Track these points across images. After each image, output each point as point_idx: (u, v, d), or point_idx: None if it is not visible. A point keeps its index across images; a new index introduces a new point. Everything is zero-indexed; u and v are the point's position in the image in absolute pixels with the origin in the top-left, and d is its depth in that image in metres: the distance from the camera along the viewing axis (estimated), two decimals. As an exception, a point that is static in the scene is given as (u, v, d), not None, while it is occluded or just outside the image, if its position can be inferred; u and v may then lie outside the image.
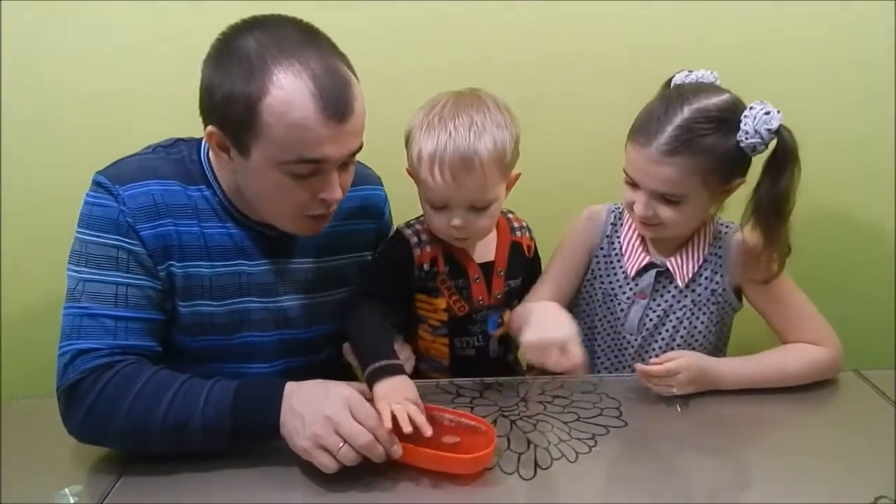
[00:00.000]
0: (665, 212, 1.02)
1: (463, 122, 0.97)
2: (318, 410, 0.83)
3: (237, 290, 1.04)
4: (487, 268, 1.12)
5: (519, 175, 1.06)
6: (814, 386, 1.05)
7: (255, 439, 0.89)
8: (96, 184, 0.96)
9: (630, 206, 1.06)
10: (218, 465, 0.87)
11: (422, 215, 1.10)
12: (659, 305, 1.13)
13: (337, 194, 0.94)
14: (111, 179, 0.95)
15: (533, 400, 1.05)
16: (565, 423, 0.98)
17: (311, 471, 0.83)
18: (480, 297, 1.12)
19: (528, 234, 1.18)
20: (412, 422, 0.84)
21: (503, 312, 1.15)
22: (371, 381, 0.92)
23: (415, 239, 1.10)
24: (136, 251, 0.94)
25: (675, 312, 1.12)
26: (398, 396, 0.89)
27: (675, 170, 0.98)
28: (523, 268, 1.17)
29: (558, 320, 0.96)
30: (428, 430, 0.84)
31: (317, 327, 1.12)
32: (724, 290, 1.11)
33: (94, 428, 0.89)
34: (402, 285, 1.11)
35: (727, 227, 1.13)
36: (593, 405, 1.02)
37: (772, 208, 1.00)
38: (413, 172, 1.04)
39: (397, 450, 0.83)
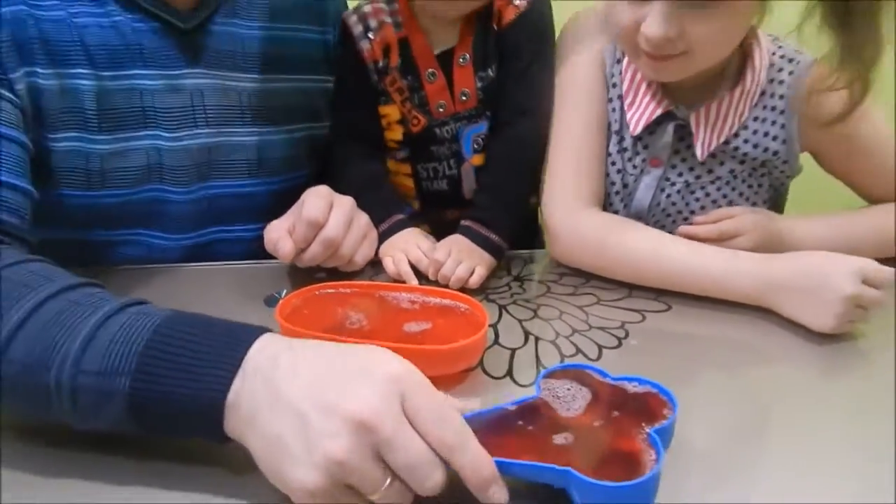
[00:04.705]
0: (697, 26, 0.62)
1: None
2: (341, 407, 0.38)
3: (137, 117, 0.71)
4: (449, 58, 0.78)
5: None
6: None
7: (176, 430, 0.43)
8: None
9: (628, 36, 0.66)
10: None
11: None
12: (680, 175, 0.77)
13: None
14: None
15: (530, 278, 0.75)
16: (579, 307, 0.68)
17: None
18: (441, 103, 0.79)
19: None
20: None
21: (484, 125, 0.80)
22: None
23: (359, 28, 0.78)
24: None
25: (702, 186, 0.77)
26: (390, 250, 0.74)
27: None
28: (494, 47, 0.78)
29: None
30: (410, 280, 0.71)
31: (258, 180, 0.80)
32: (784, 160, 0.76)
33: None
34: (366, 102, 0.81)
35: (793, 58, 0.73)
36: (620, 284, 0.72)
37: None
38: None
39: (500, 494, 0.39)
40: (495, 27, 0.77)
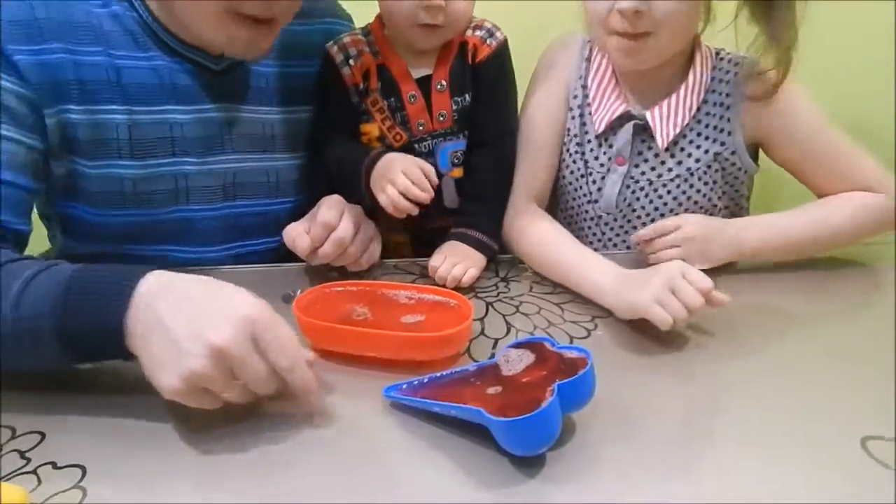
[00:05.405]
0: (661, 2, 0.75)
1: None
2: (204, 335, 0.52)
3: (166, 146, 0.81)
4: (426, 83, 0.89)
5: None
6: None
7: (91, 351, 0.58)
8: None
9: (601, 21, 0.80)
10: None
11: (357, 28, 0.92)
12: (643, 174, 0.89)
13: None
14: None
15: (515, 279, 0.85)
16: (556, 304, 0.78)
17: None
18: (421, 121, 0.89)
19: (489, 39, 0.89)
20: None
21: (459, 144, 0.91)
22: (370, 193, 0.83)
23: (340, 56, 0.89)
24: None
25: (664, 184, 0.89)
26: (391, 170, 0.79)
27: None
28: (470, 78, 0.89)
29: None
30: (429, 192, 0.78)
31: (277, 199, 0.91)
32: (732, 151, 0.87)
33: None
34: (348, 119, 0.91)
35: (738, 62, 0.86)
36: (593, 284, 0.82)
37: None
38: None
39: (314, 398, 0.57)
40: (470, 61, 0.88)
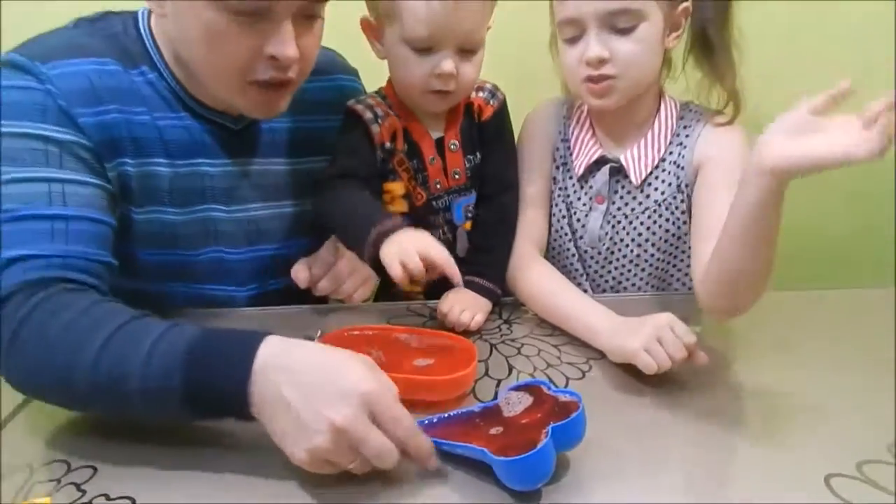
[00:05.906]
0: (622, 46, 0.86)
1: None
2: (325, 414, 0.56)
3: (199, 195, 0.90)
4: (440, 144, 0.96)
5: (489, 28, 0.92)
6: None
7: (216, 412, 0.63)
8: (12, 65, 0.78)
9: (573, 71, 0.90)
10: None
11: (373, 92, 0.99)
12: (619, 209, 0.98)
13: (290, 50, 0.78)
14: (30, 58, 0.77)
15: (517, 321, 0.92)
16: (555, 345, 0.85)
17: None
18: (438, 180, 0.97)
19: (491, 100, 0.97)
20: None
21: (472, 198, 0.99)
22: (375, 254, 0.82)
23: (369, 114, 0.95)
24: (70, 142, 0.77)
25: (637, 216, 0.98)
26: (406, 249, 0.79)
27: None
28: (477, 136, 0.97)
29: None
30: (456, 277, 0.81)
31: (295, 242, 0.99)
32: (686, 184, 0.95)
33: (16, 366, 0.66)
34: (369, 173, 0.96)
35: (702, 113, 0.96)
36: (588, 327, 0.89)
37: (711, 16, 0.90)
38: (385, 12, 0.88)
39: (432, 462, 0.61)
40: (476, 120, 0.96)
